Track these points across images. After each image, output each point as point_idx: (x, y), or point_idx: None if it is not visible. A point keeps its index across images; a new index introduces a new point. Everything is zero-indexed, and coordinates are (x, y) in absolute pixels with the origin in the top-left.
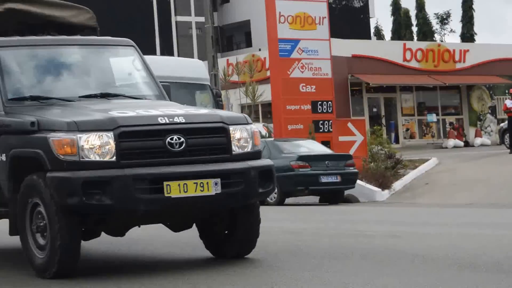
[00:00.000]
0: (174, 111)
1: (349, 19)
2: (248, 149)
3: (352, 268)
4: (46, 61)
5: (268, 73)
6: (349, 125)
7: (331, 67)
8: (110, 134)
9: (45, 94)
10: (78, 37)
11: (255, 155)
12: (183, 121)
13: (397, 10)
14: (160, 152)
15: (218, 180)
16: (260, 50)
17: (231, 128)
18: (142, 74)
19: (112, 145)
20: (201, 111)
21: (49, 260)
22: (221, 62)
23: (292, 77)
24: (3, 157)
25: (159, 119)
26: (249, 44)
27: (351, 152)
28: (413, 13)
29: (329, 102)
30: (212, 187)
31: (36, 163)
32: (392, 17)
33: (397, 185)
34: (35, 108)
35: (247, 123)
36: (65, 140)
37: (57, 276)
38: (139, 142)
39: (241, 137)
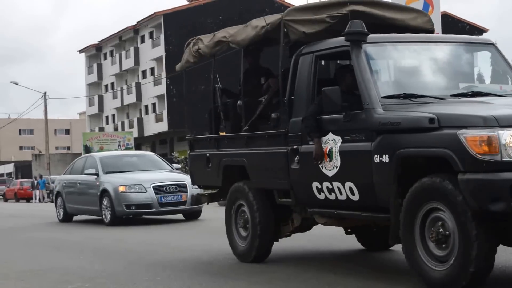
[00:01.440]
0: None
1: None
2: None
3: None
4: (413, 58)
5: None
6: None
7: None
8: None
9: (415, 91)
10: (442, 35)
11: None
12: None
13: None
14: None
15: None
16: None
17: None
18: (505, 72)
19: None
20: None
21: (458, 272)
22: None
23: None
24: (385, 158)
25: None
26: None
27: None
28: None
29: None
30: None
31: (439, 163)
32: None
33: None
34: (412, 106)
35: None
36: (483, 137)
37: None
38: None
39: None
